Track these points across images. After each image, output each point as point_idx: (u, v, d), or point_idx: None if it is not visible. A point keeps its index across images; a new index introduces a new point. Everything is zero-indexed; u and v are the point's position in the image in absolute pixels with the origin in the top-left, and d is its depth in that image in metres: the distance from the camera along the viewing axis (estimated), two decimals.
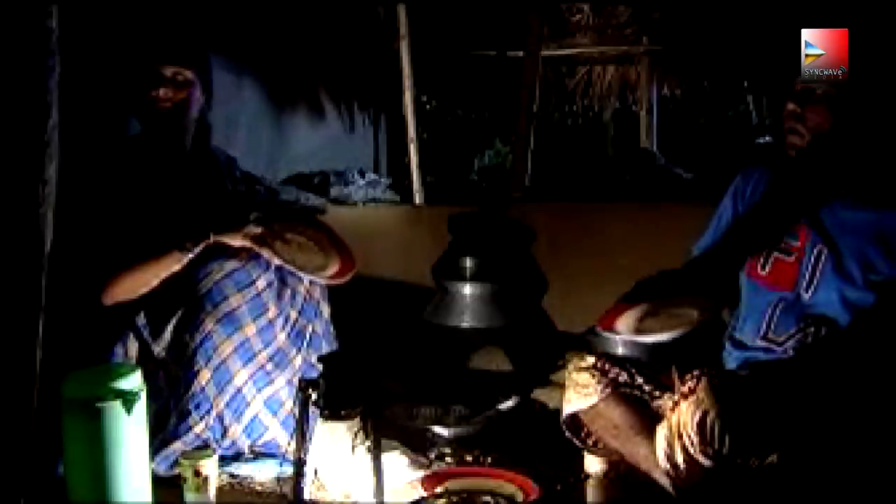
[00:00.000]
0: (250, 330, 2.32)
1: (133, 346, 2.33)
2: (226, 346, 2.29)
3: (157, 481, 2.10)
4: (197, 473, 2.07)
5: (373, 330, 2.93)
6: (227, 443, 2.30)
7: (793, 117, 2.00)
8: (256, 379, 2.32)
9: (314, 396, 1.90)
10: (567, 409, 2.18)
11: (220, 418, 2.29)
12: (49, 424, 1.91)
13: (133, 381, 1.99)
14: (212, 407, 2.27)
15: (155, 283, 2.35)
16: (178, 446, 2.24)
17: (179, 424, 2.27)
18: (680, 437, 1.81)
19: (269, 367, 2.34)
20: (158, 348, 2.33)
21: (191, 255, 2.35)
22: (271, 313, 2.37)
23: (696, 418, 1.76)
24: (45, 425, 1.84)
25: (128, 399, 1.95)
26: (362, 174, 6.96)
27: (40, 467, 1.83)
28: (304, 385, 1.93)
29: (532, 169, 7.04)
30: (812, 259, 2.01)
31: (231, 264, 2.35)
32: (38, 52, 1.61)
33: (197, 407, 2.27)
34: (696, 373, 1.85)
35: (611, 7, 7.69)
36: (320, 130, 7.29)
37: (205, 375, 2.27)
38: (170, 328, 2.33)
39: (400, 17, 6.71)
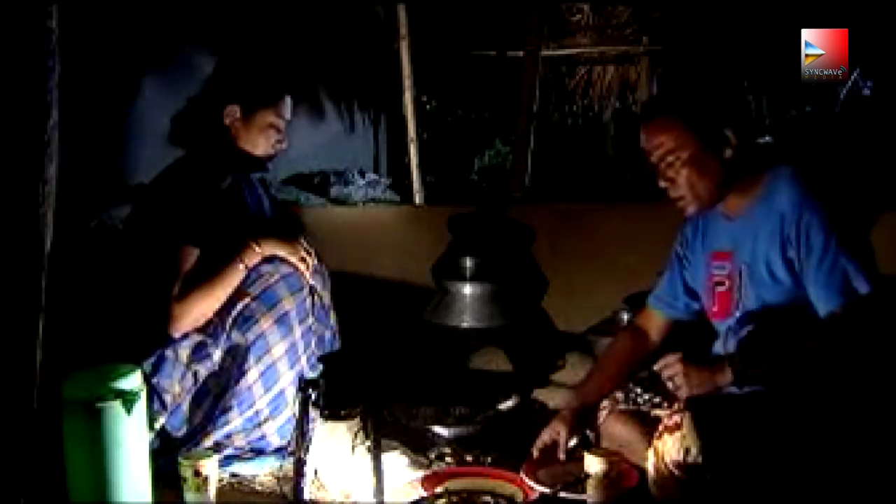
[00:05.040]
0: (297, 333, 2.36)
1: (184, 351, 2.32)
2: (279, 348, 2.32)
3: (158, 481, 2.10)
4: (197, 473, 2.07)
5: (373, 330, 2.93)
6: (256, 435, 2.32)
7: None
8: (295, 381, 2.31)
9: (314, 396, 1.90)
10: None
11: (258, 414, 2.31)
12: (49, 424, 1.91)
13: (133, 381, 1.99)
14: (253, 405, 2.30)
15: (225, 297, 2.34)
16: (207, 444, 2.27)
17: (218, 419, 2.30)
18: (664, 462, 1.88)
19: (307, 368, 2.37)
20: (217, 350, 2.33)
21: (250, 265, 2.35)
22: (310, 319, 2.39)
23: (681, 455, 1.84)
24: (45, 425, 1.84)
25: (128, 399, 1.95)
26: (362, 174, 6.95)
27: (40, 467, 1.83)
28: (305, 385, 1.93)
29: (532, 169, 7.03)
30: (738, 278, 2.02)
31: (284, 268, 2.37)
32: (38, 52, 1.61)
33: (240, 404, 2.30)
34: (682, 406, 1.89)
35: (611, 7, 7.69)
36: (320, 130, 7.29)
37: (253, 375, 2.29)
38: (227, 327, 2.32)
39: (400, 17, 6.70)
